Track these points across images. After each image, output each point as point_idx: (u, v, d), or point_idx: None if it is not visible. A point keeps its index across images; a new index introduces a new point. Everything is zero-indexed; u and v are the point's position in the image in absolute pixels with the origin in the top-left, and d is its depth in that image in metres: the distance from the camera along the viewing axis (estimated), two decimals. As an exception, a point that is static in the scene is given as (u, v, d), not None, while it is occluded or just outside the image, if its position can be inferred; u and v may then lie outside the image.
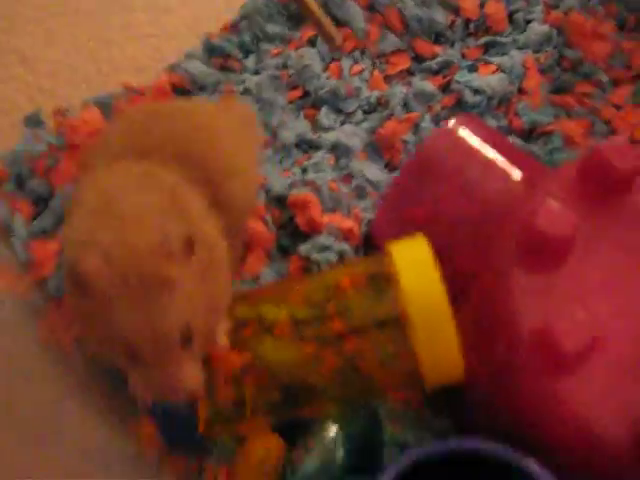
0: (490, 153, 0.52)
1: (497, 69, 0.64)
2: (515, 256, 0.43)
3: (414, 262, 0.46)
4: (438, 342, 0.45)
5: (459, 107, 0.62)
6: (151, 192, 0.39)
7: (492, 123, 0.61)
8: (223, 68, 0.65)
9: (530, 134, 0.62)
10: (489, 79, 0.62)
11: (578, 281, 0.43)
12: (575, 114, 0.62)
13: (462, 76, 0.63)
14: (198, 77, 0.63)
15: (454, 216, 0.51)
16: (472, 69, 0.64)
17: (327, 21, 0.57)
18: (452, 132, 0.53)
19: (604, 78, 0.63)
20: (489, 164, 0.51)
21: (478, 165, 0.51)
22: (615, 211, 0.45)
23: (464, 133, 0.53)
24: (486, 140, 0.53)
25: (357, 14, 0.66)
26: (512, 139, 0.61)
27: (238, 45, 0.66)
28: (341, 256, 0.53)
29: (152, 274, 0.36)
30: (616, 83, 0.64)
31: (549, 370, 0.40)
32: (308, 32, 0.65)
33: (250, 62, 0.65)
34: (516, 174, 0.51)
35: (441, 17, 0.65)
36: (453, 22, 0.65)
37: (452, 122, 0.53)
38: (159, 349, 0.37)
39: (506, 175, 0.51)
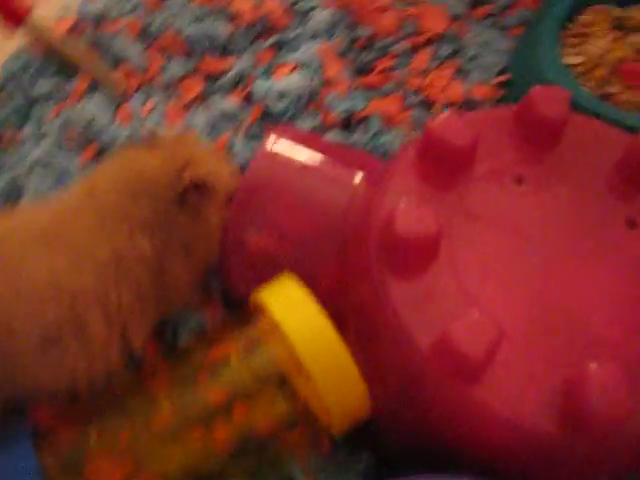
0: (314, 160, 0.47)
1: (295, 67, 0.59)
2: (384, 268, 0.39)
3: (291, 306, 0.41)
4: (341, 384, 0.39)
5: (269, 117, 0.57)
6: None
7: (307, 124, 0.56)
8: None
9: (348, 124, 0.58)
10: (289, 80, 0.57)
11: (459, 276, 0.39)
12: (385, 91, 0.59)
13: (261, 84, 0.57)
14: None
15: (301, 237, 0.46)
16: (269, 74, 0.59)
17: (101, 67, 0.50)
18: (268, 152, 0.47)
19: (401, 47, 0.60)
20: (316, 172, 0.47)
21: (306, 176, 0.46)
22: (466, 188, 0.41)
23: (280, 148, 0.47)
24: (305, 147, 0.48)
25: (132, 47, 0.58)
26: (331, 135, 0.56)
27: (11, 113, 0.58)
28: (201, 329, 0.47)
29: None
30: (414, 50, 0.61)
31: (459, 378, 0.36)
32: (84, 80, 0.57)
33: (29, 130, 0.56)
34: (349, 174, 0.46)
35: (222, 29, 0.59)
36: (234, 31, 0.59)
37: (266, 142, 0.48)
38: None
39: (338, 178, 0.46)
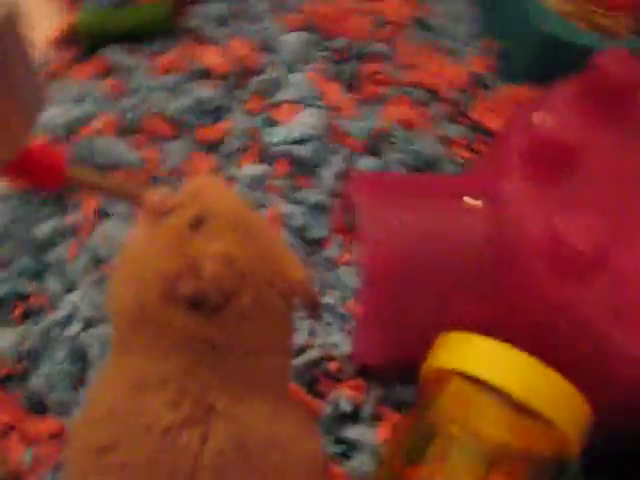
0: (427, 203, 0.43)
1: (294, 104, 0.52)
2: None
3: (490, 359, 0.37)
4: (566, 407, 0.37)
5: (296, 166, 0.50)
6: None
7: (338, 158, 0.51)
8: None
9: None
10: (302, 120, 0.51)
11: (587, 192, 0.39)
12: (387, 97, 0.54)
13: (272, 134, 0.51)
14: None
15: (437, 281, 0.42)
16: (272, 121, 0.52)
17: (114, 181, 0.41)
18: (375, 208, 0.42)
19: (379, 46, 0.55)
20: (439, 212, 0.43)
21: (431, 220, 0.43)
22: (618, 122, 0.41)
23: (384, 201, 0.43)
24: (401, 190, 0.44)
25: (118, 146, 0.49)
26: (365, 162, 0.51)
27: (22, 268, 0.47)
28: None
29: None
30: (390, 44, 0.56)
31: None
32: (90, 205, 0.47)
33: (55, 284, 0.46)
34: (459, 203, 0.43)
35: (203, 92, 0.51)
36: (215, 88, 0.52)
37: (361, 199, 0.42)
38: None
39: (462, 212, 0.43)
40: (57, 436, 0.41)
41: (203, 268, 0.32)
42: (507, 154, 0.43)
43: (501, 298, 0.41)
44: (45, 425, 0.41)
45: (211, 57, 0.52)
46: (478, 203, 0.43)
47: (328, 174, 0.50)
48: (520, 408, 0.36)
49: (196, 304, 0.32)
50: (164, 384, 0.32)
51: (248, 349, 0.33)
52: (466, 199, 0.43)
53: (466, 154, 0.52)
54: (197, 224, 0.34)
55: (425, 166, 0.51)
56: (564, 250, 0.37)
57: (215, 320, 0.32)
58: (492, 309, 0.42)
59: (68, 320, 0.44)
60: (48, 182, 0.36)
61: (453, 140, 0.52)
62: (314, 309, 0.36)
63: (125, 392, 0.32)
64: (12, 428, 0.42)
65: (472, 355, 0.38)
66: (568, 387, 0.37)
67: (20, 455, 0.40)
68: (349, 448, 0.42)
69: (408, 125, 0.53)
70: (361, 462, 0.42)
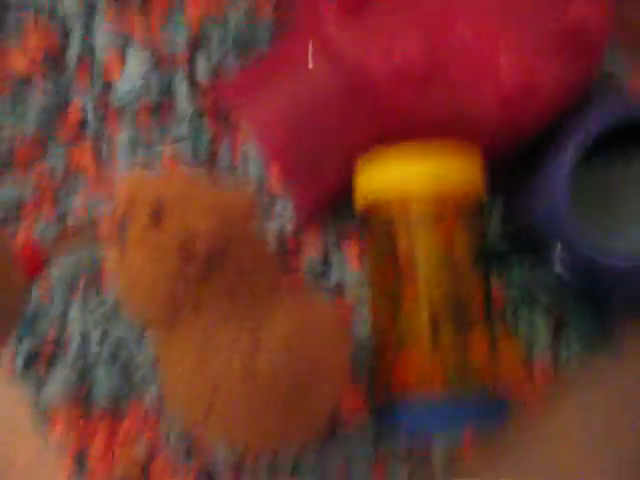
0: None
1: (115, 52, 0.55)
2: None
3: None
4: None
5: (158, 107, 0.55)
6: None
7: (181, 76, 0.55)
8: None
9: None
10: (133, 68, 0.54)
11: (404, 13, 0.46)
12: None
13: (118, 97, 0.54)
14: None
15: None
16: (109, 85, 0.55)
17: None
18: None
19: None
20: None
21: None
22: None
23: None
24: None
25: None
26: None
27: None
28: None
29: None
30: None
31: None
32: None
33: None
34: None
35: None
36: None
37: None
38: None
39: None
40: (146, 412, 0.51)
41: (197, 249, 0.39)
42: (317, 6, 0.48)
43: (372, 120, 0.49)
44: (133, 410, 0.50)
45: (17, 61, 0.54)
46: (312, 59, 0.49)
47: (184, 95, 0.55)
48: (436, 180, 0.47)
49: (206, 271, 0.40)
50: (223, 328, 0.41)
51: (253, 273, 0.42)
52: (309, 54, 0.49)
53: (277, 15, 0.56)
54: (157, 218, 0.40)
55: (248, 41, 0.56)
56: (403, 75, 0.46)
57: (221, 271, 0.40)
58: (369, 132, 0.50)
59: (83, 342, 0.51)
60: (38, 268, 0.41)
61: (259, 9, 0.56)
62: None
63: (194, 357, 0.41)
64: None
65: (386, 179, 0.48)
66: (458, 151, 0.48)
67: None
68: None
69: (217, 14, 0.56)
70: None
